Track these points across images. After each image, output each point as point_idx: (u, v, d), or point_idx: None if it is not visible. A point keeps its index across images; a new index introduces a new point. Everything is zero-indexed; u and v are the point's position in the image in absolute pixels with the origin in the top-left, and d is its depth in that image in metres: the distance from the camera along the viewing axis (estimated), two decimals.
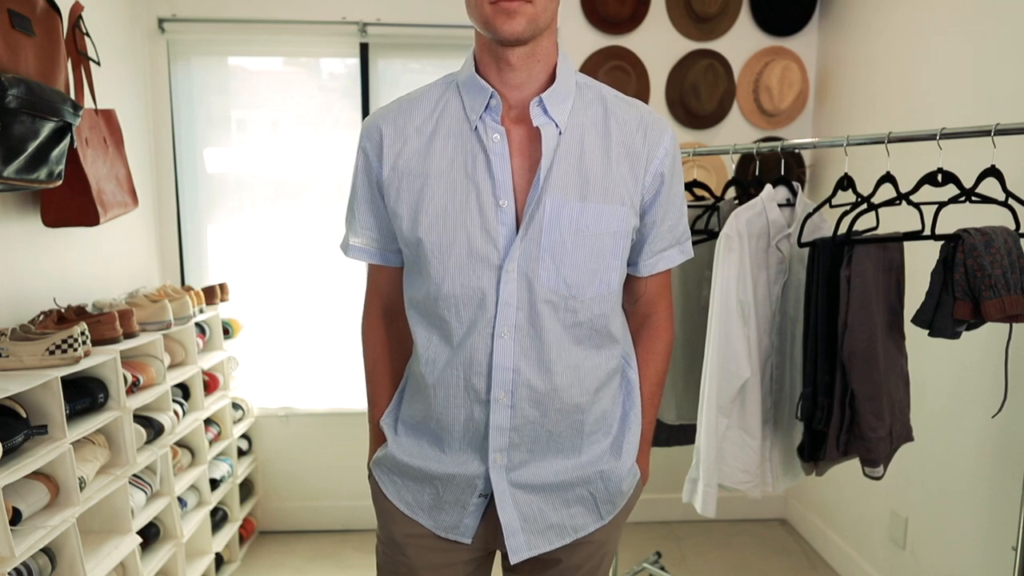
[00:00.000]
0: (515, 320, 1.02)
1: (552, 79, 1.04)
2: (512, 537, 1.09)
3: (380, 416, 1.22)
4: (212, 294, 2.70)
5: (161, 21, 2.77)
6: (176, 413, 2.23)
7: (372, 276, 1.23)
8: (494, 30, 0.96)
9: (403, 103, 1.09)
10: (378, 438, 1.23)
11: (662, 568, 2.71)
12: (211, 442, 2.54)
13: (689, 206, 2.17)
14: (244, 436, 2.97)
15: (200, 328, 2.56)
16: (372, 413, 1.24)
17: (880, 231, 1.76)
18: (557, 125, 1.03)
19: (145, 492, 2.03)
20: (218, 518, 2.63)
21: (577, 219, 1.01)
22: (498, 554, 1.22)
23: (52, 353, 1.65)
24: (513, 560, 1.10)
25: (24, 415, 1.55)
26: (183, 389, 2.42)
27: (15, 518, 1.48)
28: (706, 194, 2.22)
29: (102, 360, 1.79)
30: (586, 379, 1.08)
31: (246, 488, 2.95)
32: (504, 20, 0.94)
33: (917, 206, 1.64)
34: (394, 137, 1.06)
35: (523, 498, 1.09)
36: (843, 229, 1.70)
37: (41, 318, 1.86)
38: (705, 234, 2.08)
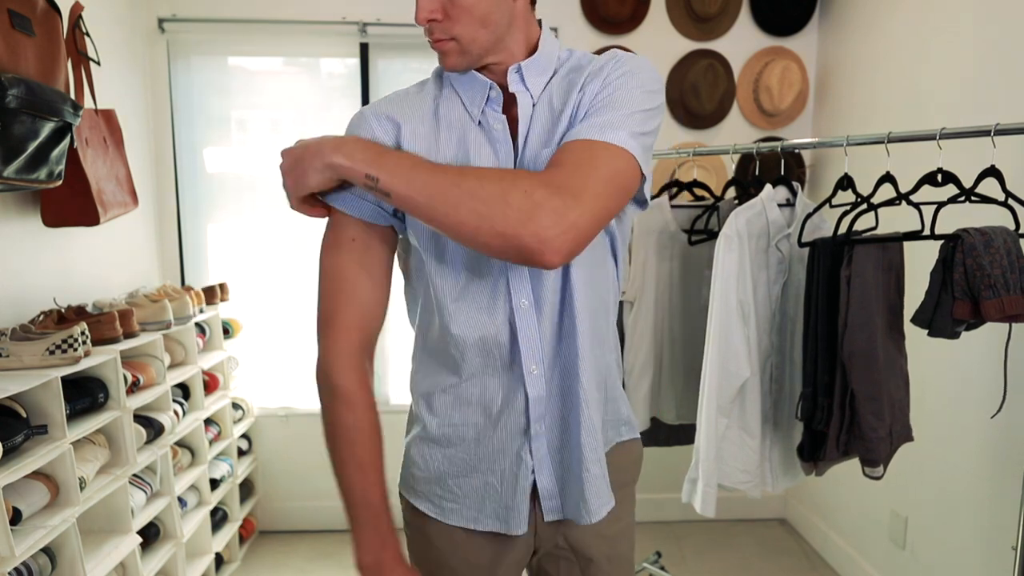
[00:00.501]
0: (530, 288, 1.02)
1: (534, 50, 1.03)
2: (547, 500, 1.09)
3: (378, 483, 1.03)
4: (212, 294, 2.70)
5: (161, 21, 2.77)
6: (176, 413, 2.23)
7: (343, 274, 0.99)
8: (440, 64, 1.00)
9: (402, 102, 1.06)
10: (377, 517, 1.02)
11: (662, 568, 2.71)
12: (211, 442, 2.54)
13: (689, 206, 2.18)
14: (244, 436, 2.97)
15: (200, 328, 2.56)
16: (365, 484, 1.02)
17: (880, 231, 1.76)
18: (532, 96, 1.02)
19: (145, 492, 2.03)
20: (218, 518, 2.63)
21: None
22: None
23: (52, 353, 1.65)
24: (548, 518, 1.10)
25: (24, 415, 1.55)
26: (183, 389, 2.42)
27: (15, 518, 1.48)
28: (706, 194, 2.22)
29: (102, 360, 1.79)
30: (601, 332, 1.08)
31: (246, 488, 2.95)
32: (442, 58, 0.98)
33: (917, 206, 1.64)
34: (412, 132, 1.03)
35: (561, 463, 1.09)
36: (843, 229, 1.70)
37: (41, 318, 1.86)
38: (705, 234, 2.08)
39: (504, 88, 1.02)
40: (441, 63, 0.99)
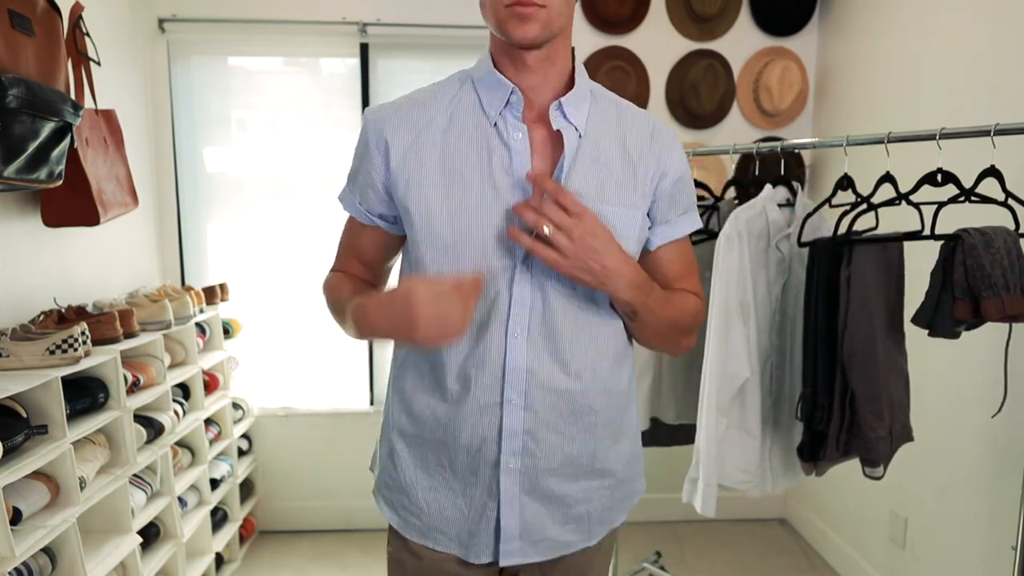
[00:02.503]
0: (528, 321, 1.02)
1: (570, 84, 1.05)
2: (507, 543, 1.08)
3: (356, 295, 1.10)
4: (212, 294, 2.70)
5: (161, 21, 2.77)
6: (176, 413, 2.23)
7: (350, 241, 1.19)
8: (508, 33, 0.96)
9: (414, 103, 1.06)
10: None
11: (662, 568, 2.71)
12: (211, 442, 2.54)
13: None
14: (244, 436, 2.97)
15: (200, 328, 2.56)
16: (349, 301, 1.07)
17: (880, 231, 1.76)
18: (577, 129, 1.03)
19: (145, 492, 2.03)
20: (218, 518, 2.63)
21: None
22: None
23: (52, 353, 1.65)
24: (503, 563, 1.09)
25: (24, 415, 1.55)
26: (183, 389, 2.42)
27: (15, 518, 1.48)
28: (706, 194, 2.22)
29: (102, 360, 1.79)
30: (600, 381, 1.07)
31: (246, 488, 2.95)
32: (518, 24, 0.95)
33: (917, 206, 1.64)
34: (406, 142, 1.04)
35: (530, 506, 1.08)
36: (843, 229, 1.70)
37: (41, 318, 1.86)
38: (705, 234, 2.08)
39: (523, 94, 1.02)
40: (516, 32, 0.95)
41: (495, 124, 1.02)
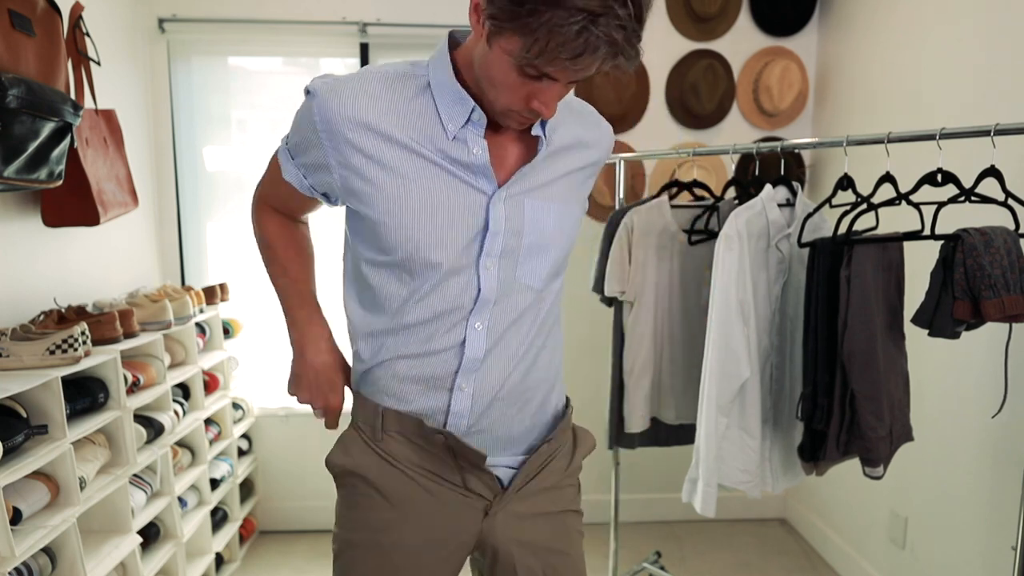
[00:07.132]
0: (490, 314, 1.06)
1: None
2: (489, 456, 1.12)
3: (303, 284, 1.33)
4: (212, 294, 2.70)
5: (161, 21, 2.77)
6: (176, 413, 2.23)
7: (276, 186, 1.19)
8: (502, 123, 1.01)
9: (369, 95, 1.04)
10: (309, 318, 1.35)
11: (662, 568, 2.71)
12: (211, 442, 2.54)
13: (689, 206, 2.18)
14: (244, 436, 2.97)
15: (200, 328, 2.56)
16: (284, 283, 1.33)
17: (880, 231, 1.76)
18: (546, 136, 1.06)
19: (145, 492, 2.03)
20: (218, 518, 2.63)
21: (547, 219, 1.07)
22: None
23: (52, 353, 1.65)
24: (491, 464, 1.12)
25: (24, 415, 1.55)
26: (183, 389, 2.42)
27: (15, 518, 1.48)
28: (706, 194, 2.22)
29: (102, 360, 1.79)
30: (543, 364, 1.14)
31: (246, 488, 2.95)
32: (515, 125, 1.01)
33: (917, 206, 1.64)
34: (363, 139, 1.01)
35: (479, 441, 1.12)
36: (843, 229, 1.70)
37: (41, 318, 1.86)
38: (705, 234, 2.08)
39: (482, 108, 1.01)
40: (510, 127, 1.01)
41: (454, 138, 1.01)
